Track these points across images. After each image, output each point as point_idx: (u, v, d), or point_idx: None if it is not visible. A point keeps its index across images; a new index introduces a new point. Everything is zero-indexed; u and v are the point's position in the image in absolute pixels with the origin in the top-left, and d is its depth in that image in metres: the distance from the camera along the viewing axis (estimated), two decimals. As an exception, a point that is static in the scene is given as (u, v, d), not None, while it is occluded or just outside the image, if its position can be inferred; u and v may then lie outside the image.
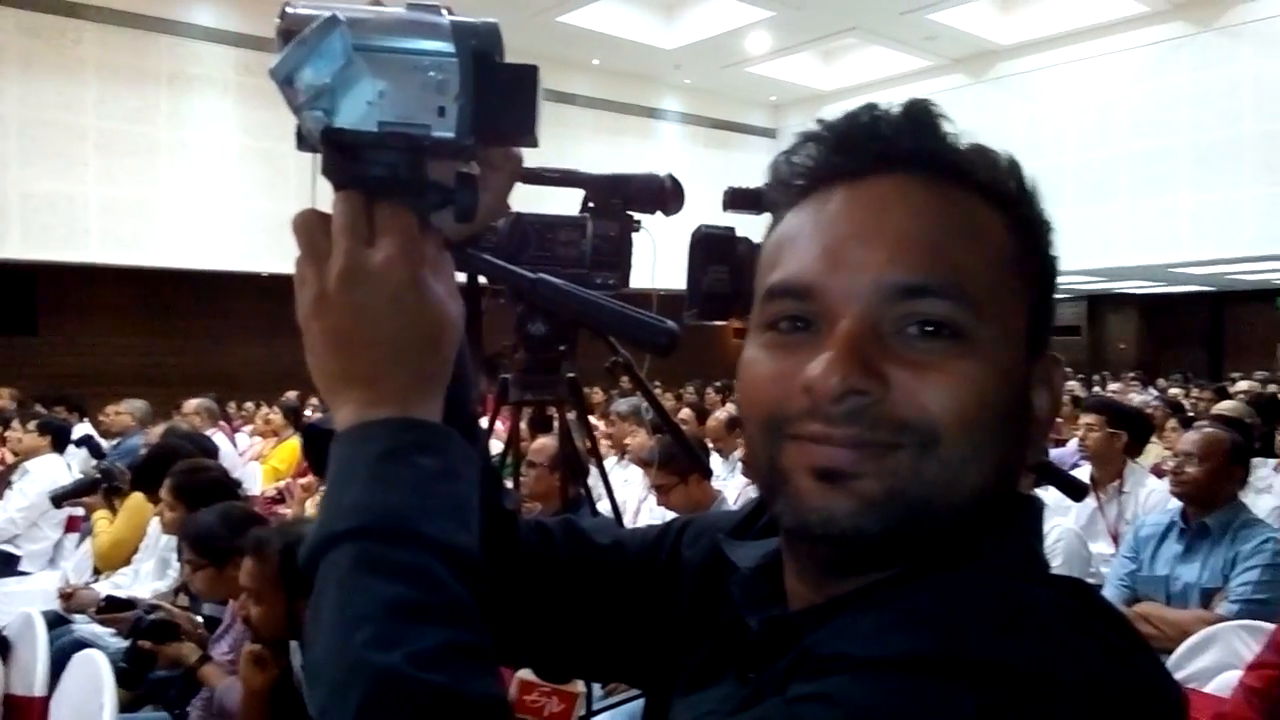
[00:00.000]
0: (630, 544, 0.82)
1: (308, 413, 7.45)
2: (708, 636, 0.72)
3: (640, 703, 0.83)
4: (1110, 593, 3.16)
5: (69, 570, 4.52)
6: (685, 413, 6.75)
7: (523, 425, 1.98)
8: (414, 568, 0.55)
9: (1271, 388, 10.36)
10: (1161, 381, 14.27)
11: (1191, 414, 6.89)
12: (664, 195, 1.62)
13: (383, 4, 0.62)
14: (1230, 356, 19.57)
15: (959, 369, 0.56)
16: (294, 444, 6.53)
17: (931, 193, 0.59)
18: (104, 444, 6.78)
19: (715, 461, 5.07)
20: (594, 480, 2.70)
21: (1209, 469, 3.04)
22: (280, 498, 5.17)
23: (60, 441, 5.60)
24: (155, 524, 3.80)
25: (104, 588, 3.82)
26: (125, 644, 2.81)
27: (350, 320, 0.61)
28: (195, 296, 13.80)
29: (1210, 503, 3.03)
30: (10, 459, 5.70)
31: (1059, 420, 7.55)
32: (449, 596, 0.55)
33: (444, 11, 0.62)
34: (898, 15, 14.47)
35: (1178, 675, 2.59)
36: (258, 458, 7.22)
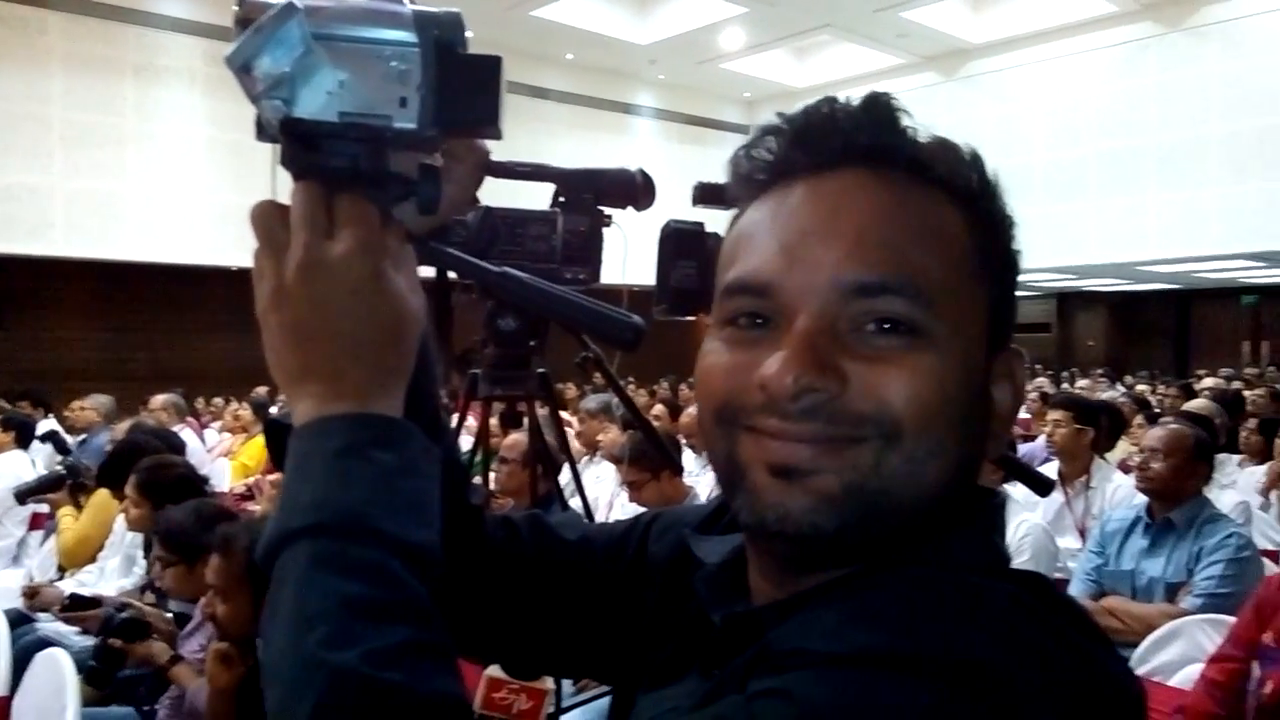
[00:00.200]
0: (597, 539, 0.82)
1: (274, 409, 7.39)
2: (674, 632, 0.72)
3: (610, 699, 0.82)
4: (1077, 587, 3.20)
5: (33, 568, 4.47)
6: (659, 408, 6.75)
7: (494, 421, 1.97)
8: (371, 565, 0.54)
9: (1236, 384, 10.53)
10: (1129, 378, 14.44)
11: (1158, 410, 6.97)
12: (635, 190, 1.62)
13: None
14: (1196, 353, 19.86)
15: (917, 363, 0.56)
16: (263, 440, 6.46)
17: (890, 188, 0.59)
18: (69, 440, 6.69)
19: (688, 457, 5.07)
20: (565, 476, 2.70)
21: (1174, 465, 3.07)
22: (249, 494, 5.14)
23: (24, 437, 5.54)
24: (121, 521, 3.75)
25: (69, 585, 3.78)
26: (90, 642, 2.78)
27: (309, 314, 0.60)
28: (163, 290, 13.65)
29: (1175, 498, 3.07)
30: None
31: (1028, 416, 7.64)
32: (407, 594, 0.55)
33: (406, 1, 0.61)
34: (871, 13, 14.56)
35: (1143, 668, 2.62)
36: (226, 454, 7.16)
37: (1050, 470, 4.07)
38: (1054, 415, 4.16)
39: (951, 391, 0.57)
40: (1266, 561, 3.16)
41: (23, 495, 4.47)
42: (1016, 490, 3.21)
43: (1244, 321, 19.88)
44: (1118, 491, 3.87)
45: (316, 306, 0.60)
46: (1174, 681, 2.47)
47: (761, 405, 0.57)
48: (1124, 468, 4.42)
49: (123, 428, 5.98)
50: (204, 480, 3.56)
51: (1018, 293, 0.65)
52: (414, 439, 0.61)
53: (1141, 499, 3.22)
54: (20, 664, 2.64)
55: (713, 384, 0.60)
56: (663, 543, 0.79)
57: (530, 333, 1.71)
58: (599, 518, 3.63)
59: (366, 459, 0.57)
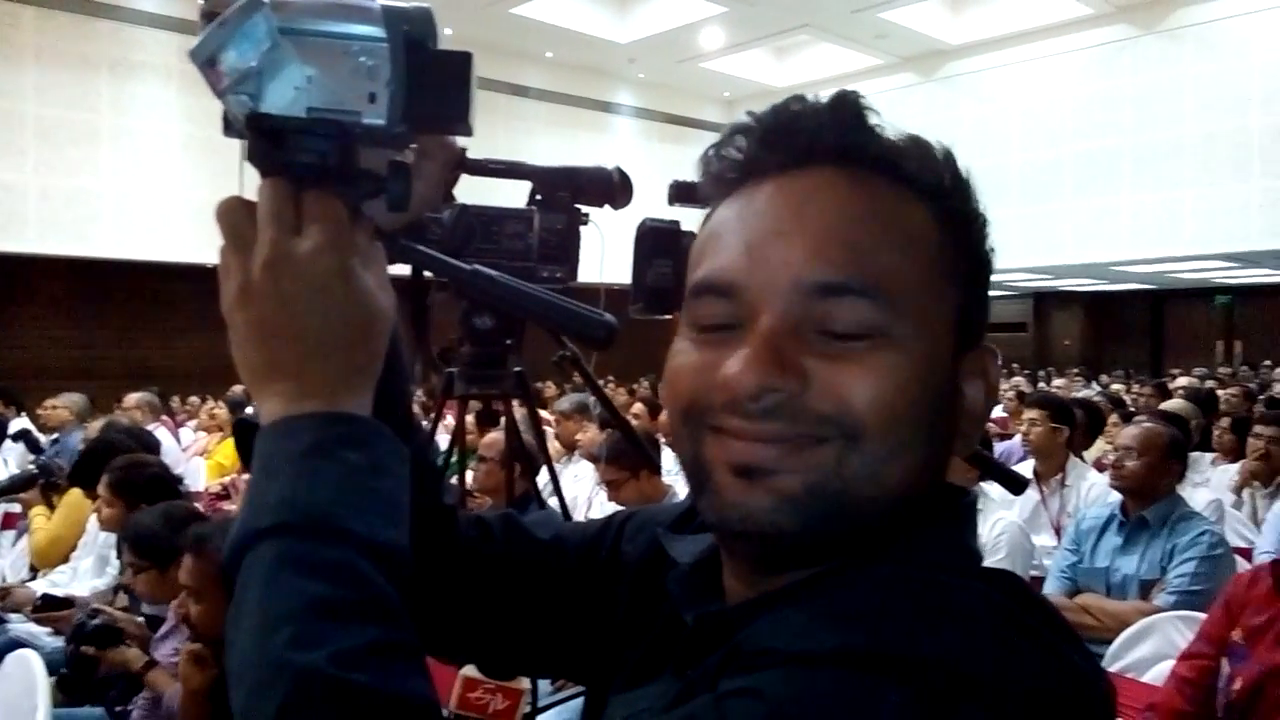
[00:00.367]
0: (571, 539, 0.81)
1: (250, 409, 7.33)
2: (648, 632, 0.71)
3: (585, 699, 0.82)
4: (1052, 584, 3.22)
5: (5, 568, 4.43)
6: (638, 407, 6.75)
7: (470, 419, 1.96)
8: (338, 565, 0.54)
9: (1210, 383, 10.65)
10: (1104, 377, 14.57)
11: (1133, 409, 7.03)
12: (612, 189, 1.61)
13: None
14: (1170, 353, 20.06)
15: (880, 363, 0.56)
16: (239, 439, 6.41)
17: (856, 187, 0.59)
18: (42, 439, 6.63)
19: (667, 456, 5.07)
20: (544, 476, 2.69)
21: (1147, 463, 3.10)
22: (225, 494, 5.10)
23: (-4, 436, 5.48)
24: (94, 521, 3.71)
25: (41, 586, 3.75)
26: (61, 643, 2.75)
27: (276, 311, 0.59)
28: (137, 288, 13.50)
29: (1149, 496, 3.09)
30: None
31: (1005, 415, 7.69)
32: (374, 594, 0.54)
33: None
34: (849, 13, 14.61)
35: (1116, 665, 2.65)
36: (202, 453, 7.09)
37: (1026, 468, 4.11)
38: (1029, 414, 4.19)
39: (915, 392, 0.57)
40: (1238, 559, 3.19)
41: (-6, 495, 4.43)
42: (993, 489, 3.23)
43: (1217, 321, 20.11)
44: (1092, 490, 3.90)
45: (283, 304, 0.59)
46: (1147, 678, 2.49)
47: (724, 405, 0.57)
48: (1099, 466, 4.46)
49: (96, 426, 5.92)
50: (178, 480, 3.53)
51: (994, 293, 0.65)
52: (382, 438, 0.60)
53: (1116, 497, 3.25)
54: (-9, 665, 2.62)
55: (679, 384, 0.60)
56: (636, 542, 0.78)
57: (506, 331, 1.70)
58: (578, 516, 3.62)
59: (334, 458, 0.57)
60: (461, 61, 0.61)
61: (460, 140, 0.71)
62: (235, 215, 0.61)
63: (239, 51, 0.57)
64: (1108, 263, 15.84)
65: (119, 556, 3.38)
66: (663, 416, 6.07)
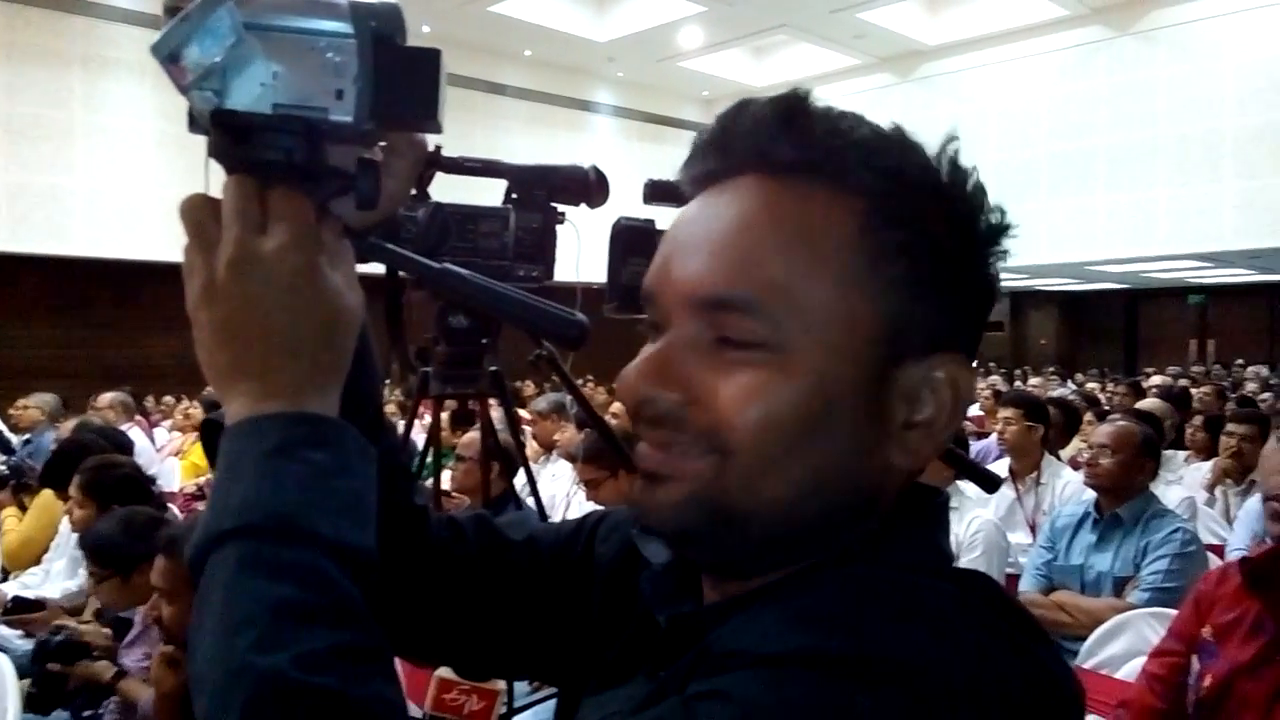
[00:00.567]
0: (544, 539, 0.81)
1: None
2: (621, 633, 0.71)
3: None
4: (1027, 582, 3.24)
5: (-26, 571, 4.36)
6: (616, 407, 6.74)
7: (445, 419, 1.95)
8: (302, 567, 0.53)
9: (1183, 382, 10.76)
10: (1079, 376, 14.69)
11: (1107, 408, 7.09)
12: (588, 187, 1.61)
13: None
14: (1144, 351, 20.28)
15: (754, 380, 0.55)
16: (213, 439, 6.36)
17: (773, 195, 0.57)
18: (13, 439, 6.55)
19: (645, 455, 5.07)
20: (522, 475, 2.68)
21: (1121, 461, 3.12)
22: (200, 494, 5.06)
23: (-35, 437, 5.41)
24: (66, 523, 3.67)
25: (12, 588, 3.72)
26: (32, 647, 2.71)
27: (241, 311, 0.58)
28: (111, 287, 13.35)
29: (1123, 494, 3.12)
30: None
31: (981, 414, 7.74)
32: (339, 596, 0.53)
33: None
34: (827, 13, 14.65)
35: (1090, 661, 2.67)
36: (177, 453, 7.03)
37: (1001, 467, 4.13)
38: (1005, 413, 4.22)
39: (797, 408, 0.55)
40: (1211, 556, 3.23)
41: (-36, 496, 4.37)
42: (969, 487, 3.24)
43: (1191, 320, 20.33)
44: (1067, 487, 3.93)
45: (248, 303, 0.58)
46: (1121, 674, 2.51)
47: (630, 411, 0.59)
48: (1075, 464, 4.49)
49: (68, 427, 5.85)
50: (151, 480, 3.49)
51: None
52: (348, 438, 0.60)
53: (1090, 495, 3.28)
54: (-41, 669, 2.57)
55: (619, 392, 0.61)
56: (610, 542, 0.78)
57: (482, 331, 1.69)
58: (555, 516, 3.62)
59: (299, 459, 0.56)
60: (431, 58, 0.60)
61: (438, 138, 0.70)
62: (199, 213, 0.60)
63: (202, 47, 0.56)
64: (1083, 262, 15.97)
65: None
66: (641, 416, 6.05)
